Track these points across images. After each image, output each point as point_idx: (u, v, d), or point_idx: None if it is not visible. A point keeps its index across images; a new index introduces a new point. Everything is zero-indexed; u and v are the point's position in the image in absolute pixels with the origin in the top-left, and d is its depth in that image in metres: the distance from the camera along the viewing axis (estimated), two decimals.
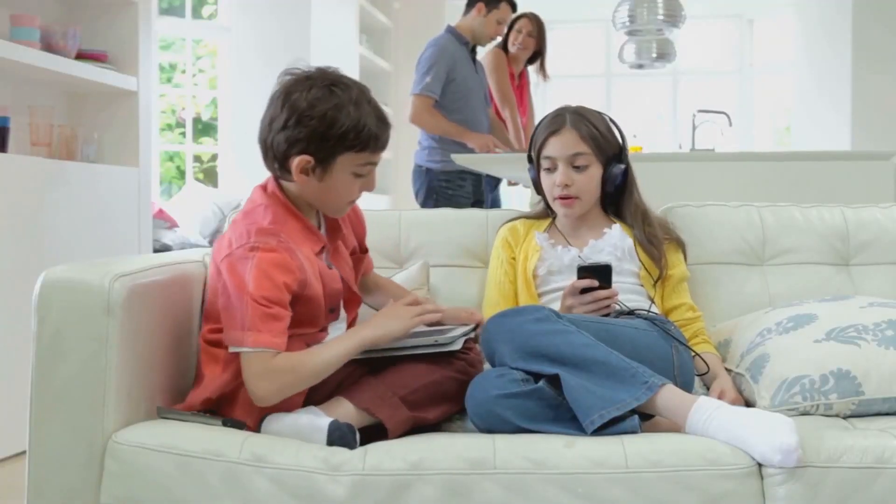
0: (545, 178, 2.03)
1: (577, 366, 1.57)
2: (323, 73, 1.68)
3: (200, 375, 1.71)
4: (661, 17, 4.76)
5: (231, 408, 1.66)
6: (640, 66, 5.30)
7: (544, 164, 2.02)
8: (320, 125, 1.63)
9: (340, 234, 1.82)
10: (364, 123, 1.65)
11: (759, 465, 1.46)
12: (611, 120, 2.04)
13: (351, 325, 1.83)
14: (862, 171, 3.41)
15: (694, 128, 4.47)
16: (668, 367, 1.74)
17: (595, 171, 1.99)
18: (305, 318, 1.68)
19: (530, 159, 2.10)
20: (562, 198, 1.99)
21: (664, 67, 5.59)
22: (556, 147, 1.99)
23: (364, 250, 1.95)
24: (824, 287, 2.12)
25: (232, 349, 1.60)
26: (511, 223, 2.13)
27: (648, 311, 1.90)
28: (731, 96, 7.64)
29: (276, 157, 1.67)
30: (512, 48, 4.59)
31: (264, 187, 1.74)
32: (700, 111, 4.55)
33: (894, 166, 3.40)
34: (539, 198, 2.15)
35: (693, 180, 3.47)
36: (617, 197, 2.05)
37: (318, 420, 1.55)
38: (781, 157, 3.95)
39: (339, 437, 1.51)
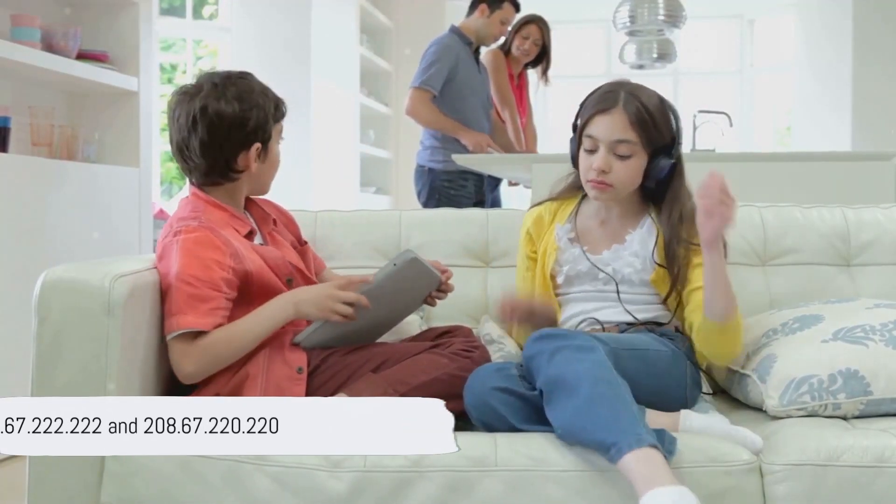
0: (584, 158, 1.85)
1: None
2: (208, 79, 1.76)
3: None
4: (661, 18, 4.75)
5: None
6: (641, 67, 5.30)
7: (586, 143, 1.84)
8: (255, 110, 1.74)
9: (270, 222, 1.89)
10: (275, 96, 1.81)
11: (760, 462, 1.46)
12: (670, 107, 1.84)
13: None
14: (862, 172, 3.41)
15: (695, 128, 4.46)
16: (680, 393, 1.73)
17: (637, 162, 1.82)
18: (270, 293, 1.71)
19: (574, 127, 1.92)
20: (596, 182, 1.83)
21: (665, 68, 5.59)
22: (601, 128, 1.81)
23: (302, 243, 1.99)
24: (826, 287, 2.12)
25: (168, 338, 1.64)
26: (536, 209, 2.02)
27: (663, 325, 1.85)
28: (731, 96, 7.64)
29: (227, 163, 1.75)
30: (515, 51, 4.57)
31: (186, 197, 1.82)
32: (701, 111, 4.54)
33: (895, 167, 3.39)
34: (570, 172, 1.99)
35: (694, 180, 3.44)
36: (658, 191, 1.88)
37: None
38: (782, 157, 3.95)
39: None
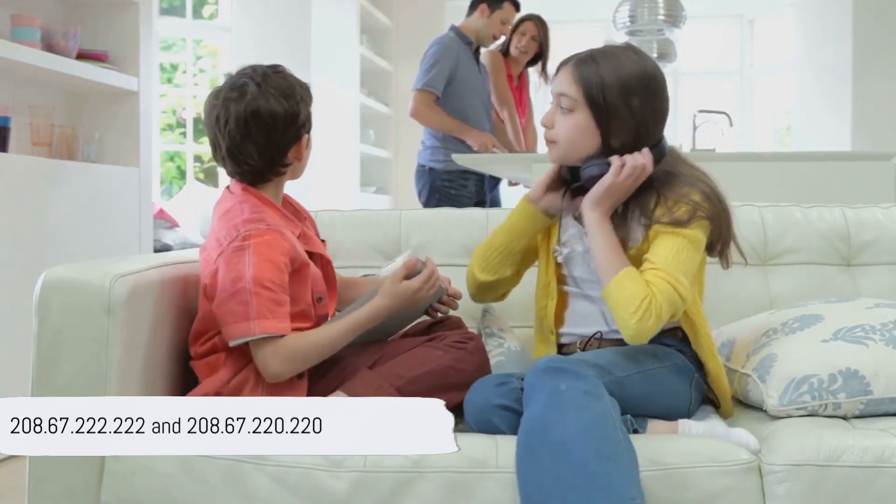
0: None
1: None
2: (249, 78, 1.73)
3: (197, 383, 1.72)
4: (661, 18, 4.76)
5: None
6: None
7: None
8: (301, 104, 1.74)
9: (303, 219, 1.86)
10: (303, 81, 1.79)
11: (759, 462, 1.47)
12: (641, 90, 1.66)
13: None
14: (862, 172, 3.41)
15: (694, 128, 4.46)
16: (684, 405, 1.72)
17: (579, 119, 1.68)
18: (295, 304, 1.68)
19: None
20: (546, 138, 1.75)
21: (665, 67, 5.58)
22: (554, 82, 1.75)
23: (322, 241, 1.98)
24: (826, 287, 2.12)
25: (235, 342, 1.61)
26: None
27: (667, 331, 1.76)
28: (731, 96, 7.64)
29: (281, 155, 1.74)
30: (514, 51, 4.58)
31: (229, 189, 1.79)
32: (701, 111, 4.54)
33: (894, 167, 3.39)
34: None
35: None
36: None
37: None
38: (782, 157, 3.95)
39: None
